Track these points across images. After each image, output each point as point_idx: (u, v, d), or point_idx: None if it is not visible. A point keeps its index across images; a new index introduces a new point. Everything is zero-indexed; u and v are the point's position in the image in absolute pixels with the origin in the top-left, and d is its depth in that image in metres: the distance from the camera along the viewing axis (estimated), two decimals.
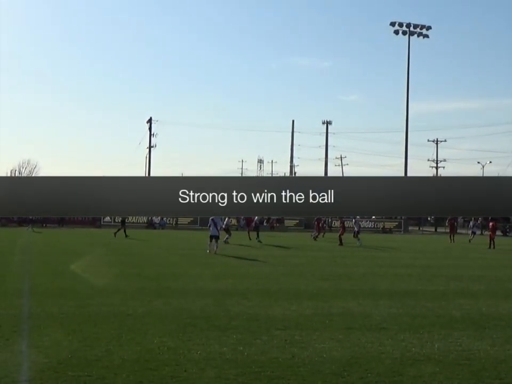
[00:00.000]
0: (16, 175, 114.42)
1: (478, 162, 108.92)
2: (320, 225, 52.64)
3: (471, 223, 56.66)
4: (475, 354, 10.51)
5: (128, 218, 58.54)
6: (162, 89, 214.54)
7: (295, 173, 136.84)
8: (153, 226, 75.63)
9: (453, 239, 50.76)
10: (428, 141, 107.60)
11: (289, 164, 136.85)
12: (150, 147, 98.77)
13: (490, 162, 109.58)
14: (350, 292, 18.15)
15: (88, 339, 11.06)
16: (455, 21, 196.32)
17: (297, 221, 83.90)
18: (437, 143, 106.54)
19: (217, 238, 33.18)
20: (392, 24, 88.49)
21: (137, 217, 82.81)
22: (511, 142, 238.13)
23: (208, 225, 34.18)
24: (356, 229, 46.31)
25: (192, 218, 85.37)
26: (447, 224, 57.57)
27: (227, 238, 41.98)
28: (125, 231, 48.81)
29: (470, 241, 50.90)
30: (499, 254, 39.89)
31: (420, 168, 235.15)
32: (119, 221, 54.87)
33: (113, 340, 10.96)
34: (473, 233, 53.09)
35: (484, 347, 11.05)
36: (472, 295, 18.06)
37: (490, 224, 47.08)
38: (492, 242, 44.75)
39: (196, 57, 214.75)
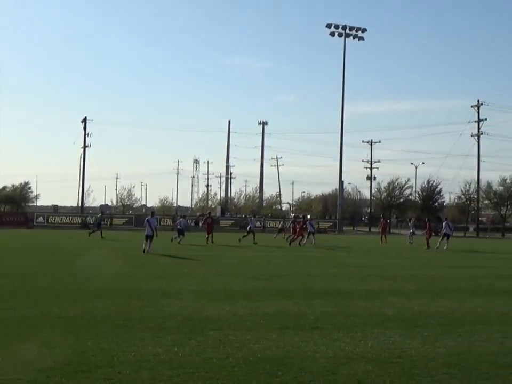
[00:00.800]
0: None
1: (412, 163, 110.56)
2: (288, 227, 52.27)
3: (410, 224, 57.21)
4: (407, 352, 10.66)
5: (104, 220, 57.77)
6: (98, 89, 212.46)
7: (231, 173, 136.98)
8: (87, 227, 74.60)
9: (385, 239, 51.30)
10: (363, 142, 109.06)
11: (225, 164, 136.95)
12: (84, 147, 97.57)
13: (423, 163, 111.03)
14: (284, 292, 18.23)
15: (18, 342, 10.82)
16: (390, 23, 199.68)
17: (233, 221, 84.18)
18: (371, 144, 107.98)
19: (151, 237, 33.23)
20: (328, 26, 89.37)
21: (71, 218, 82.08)
22: (443, 143, 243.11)
23: (144, 225, 34.36)
24: (309, 229, 46.48)
25: (127, 219, 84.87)
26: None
27: (180, 239, 42.37)
28: (101, 233, 48.41)
29: (410, 242, 51.57)
30: (432, 253, 40.65)
31: (355, 169, 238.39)
32: (95, 223, 54.03)
33: (44, 343, 10.76)
34: (413, 233, 53.72)
35: (415, 345, 11.21)
36: (405, 294, 18.33)
37: (427, 224, 48.09)
38: (428, 242, 45.73)
39: (133, 57, 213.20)
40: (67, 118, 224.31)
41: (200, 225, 45.63)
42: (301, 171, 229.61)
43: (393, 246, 47.67)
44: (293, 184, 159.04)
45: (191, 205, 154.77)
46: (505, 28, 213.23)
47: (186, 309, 14.66)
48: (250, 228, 46.15)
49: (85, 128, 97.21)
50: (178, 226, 44.55)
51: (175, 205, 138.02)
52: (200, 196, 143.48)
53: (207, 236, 43.58)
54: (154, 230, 33.69)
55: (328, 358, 10.13)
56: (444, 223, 48.36)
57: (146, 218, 34.77)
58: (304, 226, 45.69)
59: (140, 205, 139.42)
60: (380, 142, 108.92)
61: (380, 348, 10.88)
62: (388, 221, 55.24)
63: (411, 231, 54.32)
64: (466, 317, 14.48)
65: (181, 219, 46.47)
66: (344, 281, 21.52)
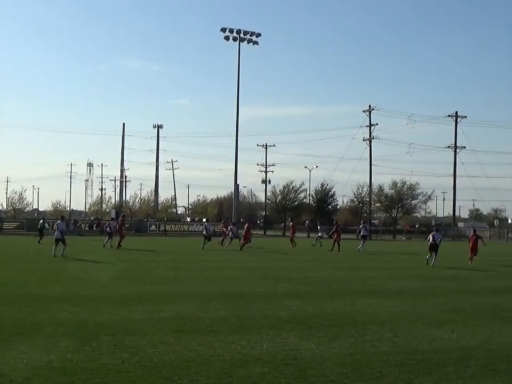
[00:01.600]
0: None
1: (306, 167, 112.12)
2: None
3: (319, 227, 57.79)
4: (302, 353, 10.80)
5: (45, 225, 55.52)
6: None
7: (125, 177, 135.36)
8: None
9: (294, 243, 51.43)
10: (258, 145, 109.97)
11: (119, 168, 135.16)
12: None
13: (317, 166, 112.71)
14: (180, 295, 18.16)
15: None
16: (284, 29, 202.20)
17: (128, 225, 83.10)
18: (266, 148, 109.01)
19: (61, 241, 33.60)
20: (223, 30, 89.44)
21: None
22: (337, 148, 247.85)
23: (54, 229, 34.87)
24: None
25: (18, 223, 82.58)
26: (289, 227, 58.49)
27: (107, 241, 43.60)
28: (40, 239, 47.28)
29: (314, 245, 52.24)
30: (328, 255, 41.30)
31: (250, 172, 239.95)
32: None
33: None
34: (321, 237, 54.16)
35: (310, 346, 11.38)
36: (299, 296, 18.57)
37: (336, 228, 49.17)
38: (339, 245, 46.54)
39: (27, 58, 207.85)
40: None
41: (117, 228, 45.00)
42: (197, 174, 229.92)
43: (292, 249, 48.15)
44: (188, 187, 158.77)
45: (85, 209, 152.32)
46: (395, 33, 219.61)
47: (79, 314, 14.40)
48: (207, 233, 46.74)
49: None
50: (107, 230, 45.29)
51: (68, 208, 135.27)
52: (94, 200, 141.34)
53: (120, 239, 43.76)
54: (61, 233, 33.89)
55: (224, 361, 10.15)
56: (361, 226, 49.85)
57: (56, 223, 35.50)
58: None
59: (31, 208, 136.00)
60: (274, 145, 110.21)
61: (275, 350, 10.98)
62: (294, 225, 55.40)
63: (319, 234, 54.83)
64: (359, 318, 14.79)
65: (108, 222, 46.82)
66: (239, 284, 21.62)
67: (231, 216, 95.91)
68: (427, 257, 33.78)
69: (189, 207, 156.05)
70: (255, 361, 10.17)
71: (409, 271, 29.29)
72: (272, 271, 27.57)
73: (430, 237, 34.27)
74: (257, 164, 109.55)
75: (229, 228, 51.25)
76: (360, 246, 47.24)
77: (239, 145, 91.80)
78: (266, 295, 18.79)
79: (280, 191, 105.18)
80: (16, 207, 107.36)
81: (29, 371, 9.22)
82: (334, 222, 54.24)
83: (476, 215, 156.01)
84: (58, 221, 35.83)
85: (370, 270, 29.53)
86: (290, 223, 55.73)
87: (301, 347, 11.30)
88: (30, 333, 12.03)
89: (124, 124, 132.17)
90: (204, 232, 46.96)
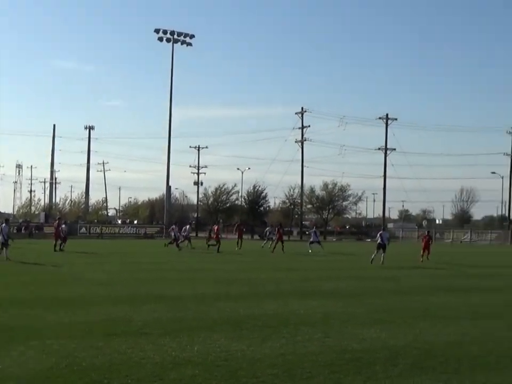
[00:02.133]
0: None
1: (238, 169, 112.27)
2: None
3: (267, 229, 57.77)
4: (233, 354, 10.79)
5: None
6: None
7: (55, 179, 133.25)
8: None
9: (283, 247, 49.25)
10: (190, 147, 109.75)
11: (49, 169, 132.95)
12: None
13: (249, 168, 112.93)
14: (110, 298, 17.97)
15: None
16: (218, 30, 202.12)
17: None
18: (198, 150, 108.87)
19: (5, 245, 33.56)
20: (157, 31, 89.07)
21: None
22: (270, 149, 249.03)
23: None
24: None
25: None
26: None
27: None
28: None
29: (262, 247, 52.07)
30: (264, 257, 41.45)
31: (182, 174, 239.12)
32: None
33: None
34: (270, 239, 53.46)
35: (241, 347, 11.38)
36: (232, 298, 18.57)
37: (278, 230, 49.53)
38: (282, 247, 47.26)
39: None
40: None
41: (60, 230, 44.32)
42: (128, 176, 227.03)
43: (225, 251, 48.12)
44: (119, 189, 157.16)
45: (13, 211, 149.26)
46: (327, 34, 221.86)
47: (5, 318, 14.11)
48: (186, 235, 49.04)
49: None
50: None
51: None
52: (23, 202, 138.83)
53: (58, 242, 43.29)
54: (5, 236, 33.85)
55: (155, 363, 10.07)
56: (312, 231, 50.33)
57: (1, 226, 34.95)
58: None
59: None
60: (207, 147, 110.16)
61: (206, 352, 10.95)
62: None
63: (268, 237, 54.53)
64: (290, 319, 14.86)
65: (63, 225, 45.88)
66: (172, 286, 21.50)
67: (163, 218, 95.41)
68: (372, 256, 34.94)
69: (120, 209, 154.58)
70: (186, 363, 10.13)
71: (344, 272, 29.64)
72: (205, 272, 27.53)
73: (378, 236, 35.96)
74: (190, 166, 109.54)
75: (182, 230, 51.06)
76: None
77: (171, 147, 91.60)
78: (200, 296, 18.73)
79: (212, 192, 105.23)
80: None
81: None
82: (278, 224, 54.38)
83: (405, 216, 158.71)
84: (3, 225, 35.11)
85: (303, 271, 29.74)
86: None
87: (232, 348, 11.29)
88: None
89: (54, 125, 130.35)
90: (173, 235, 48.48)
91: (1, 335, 12.17)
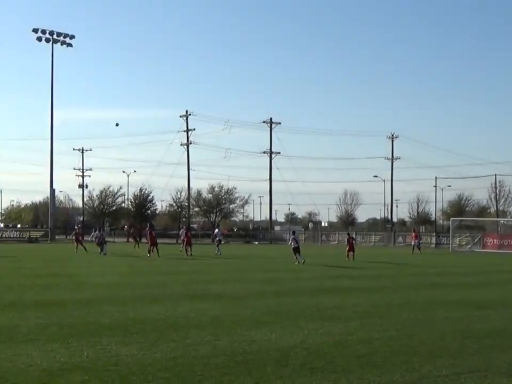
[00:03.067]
0: None
1: (124, 172, 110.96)
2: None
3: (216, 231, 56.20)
4: (123, 359, 10.68)
5: None
6: None
7: None
8: None
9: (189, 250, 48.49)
10: (74, 149, 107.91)
11: None
12: None
13: (135, 171, 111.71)
14: None
15: None
16: (100, 32, 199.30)
17: None
18: (82, 152, 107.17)
19: None
20: (35, 30, 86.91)
21: None
22: (155, 152, 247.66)
23: None
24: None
25: None
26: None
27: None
28: None
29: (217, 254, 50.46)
30: (146, 260, 41.11)
31: (66, 176, 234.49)
32: None
33: None
34: (219, 241, 52.16)
35: (132, 352, 11.27)
36: (120, 302, 18.39)
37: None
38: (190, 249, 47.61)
39: None
40: None
41: None
42: (10, 179, 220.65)
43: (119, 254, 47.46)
44: (1, 192, 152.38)
45: None
46: (212, 37, 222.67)
47: None
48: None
49: None
50: None
51: None
52: None
53: None
54: None
55: (43, 370, 9.85)
56: (216, 231, 52.10)
57: None
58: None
59: None
60: (91, 150, 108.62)
61: (96, 357, 10.79)
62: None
63: (218, 239, 53.29)
64: (180, 322, 14.84)
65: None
66: (58, 291, 21.08)
67: (47, 221, 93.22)
68: (295, 258, 38.12)
69: (2, 212, 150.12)
70: (75, 369, 9.95)
71: (230, 274, 29.78)
72: (90, 277, 27.12)
73: (291, 241, 39.21)
74: (74, 168, 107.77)
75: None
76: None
77: (54, 149, 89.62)
78: (86, 301, 18.43)
79: (97, 195, 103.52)
80: None
81: None
82: (187, 227, 54.31)
83: (291, 219, 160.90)
84: None
85: (189, 274, 29.71)
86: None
87: (122, 353, 11.17)
88: None
89: None
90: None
91: None
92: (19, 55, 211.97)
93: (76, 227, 59.71)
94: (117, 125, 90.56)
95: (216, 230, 55.47)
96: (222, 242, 53.04)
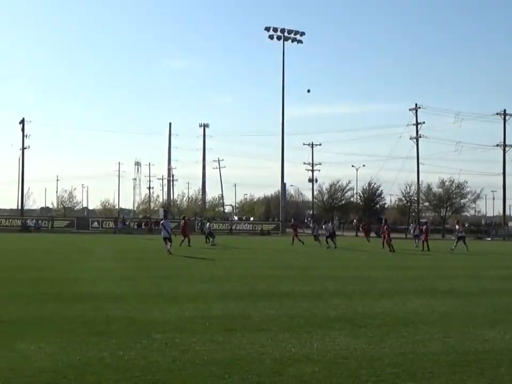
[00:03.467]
0: None
1: (352, 166, 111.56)
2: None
3: (313, 226, 57.50)
4: (352, 353, 10.73)
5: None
6: (35, 90, 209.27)
7: (173, 176, 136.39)
8: (28, 229, 73.32)
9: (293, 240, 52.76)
10: (304, 144, 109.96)
11: (167, 167, 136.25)
12: (23, 148, 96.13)
13: (363, 165, 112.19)
14: (229, 294, 18.19)
15: None
16: (328, 27, 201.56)
17: (69, 222, 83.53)
18: (312, 147, 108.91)
19: (169, 239, 35.90)
20: (267, 29, 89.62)
21: (11, 221, 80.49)
22: (384, 146, 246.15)
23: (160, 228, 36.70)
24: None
25: (68, 221, 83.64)
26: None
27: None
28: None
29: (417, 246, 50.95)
30: (373, 255, 41.09)
31: (297, 171, 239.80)
32: None
33: None
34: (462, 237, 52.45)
35: (360, 345, 11.30)
36: (347, 295, 18.48)
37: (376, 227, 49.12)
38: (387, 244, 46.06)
39: (71, 57, 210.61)
40: (4, 120, 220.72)
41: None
42: (243, 173, 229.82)
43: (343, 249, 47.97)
44: (235, 186, 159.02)
45: (133, 207, 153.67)
46: (441, 31, 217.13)
47: (130, 312, 14.54)
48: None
49: (23, 130, 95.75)
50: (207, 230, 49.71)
51: (117, 207, 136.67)
52: (142, 198, 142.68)
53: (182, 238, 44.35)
54: (169, 231, 36.56)
55: (275, 359, 10.14)
56: (412, 226, 51.47)
57: (161, 222, 37.99)
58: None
59: (81, 207, 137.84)
60: (320, 144, 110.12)
61: (325, 349, 10.94)
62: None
63: (319, 232, 54.08)
64: (409, 317, 14.64)
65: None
66: (288, 283, 21.59)
67: (278, 214, 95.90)
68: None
69: (236, 205, 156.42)
70: (305, 360, 10.15)
71: (458, 271, 28.94)
72: (319, 270, 27.53)
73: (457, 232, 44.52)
74: (304, 163, 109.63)
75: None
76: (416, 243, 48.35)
77: (285, 144, 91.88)
78: (314, 294, 18.74)
79: (326, 190, 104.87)
80: (66, 206, 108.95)
81: (82, 367, 9.34)
82: (384, 220, 53.53)
83: None
84: (163, 220, 38.34)
85: (418, 269, 29.22)
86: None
87: (351, 346, 11.23)
88: (81, 330, 12.18)
89: (170, 123, 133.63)
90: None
91: (127, 328, 12.54)
92: (252, 53, 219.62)
93: (291, 220, 61.72)
94: (308, 91, 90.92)
95: (412, 225, 56.68)
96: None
